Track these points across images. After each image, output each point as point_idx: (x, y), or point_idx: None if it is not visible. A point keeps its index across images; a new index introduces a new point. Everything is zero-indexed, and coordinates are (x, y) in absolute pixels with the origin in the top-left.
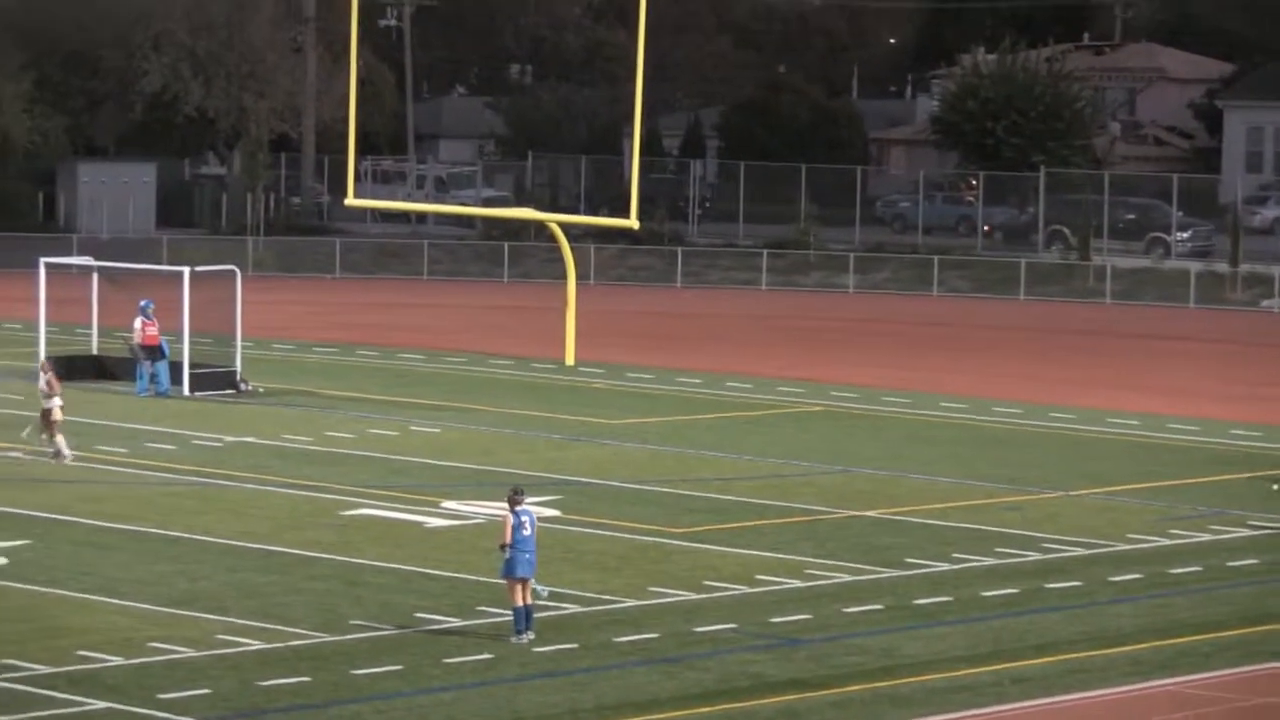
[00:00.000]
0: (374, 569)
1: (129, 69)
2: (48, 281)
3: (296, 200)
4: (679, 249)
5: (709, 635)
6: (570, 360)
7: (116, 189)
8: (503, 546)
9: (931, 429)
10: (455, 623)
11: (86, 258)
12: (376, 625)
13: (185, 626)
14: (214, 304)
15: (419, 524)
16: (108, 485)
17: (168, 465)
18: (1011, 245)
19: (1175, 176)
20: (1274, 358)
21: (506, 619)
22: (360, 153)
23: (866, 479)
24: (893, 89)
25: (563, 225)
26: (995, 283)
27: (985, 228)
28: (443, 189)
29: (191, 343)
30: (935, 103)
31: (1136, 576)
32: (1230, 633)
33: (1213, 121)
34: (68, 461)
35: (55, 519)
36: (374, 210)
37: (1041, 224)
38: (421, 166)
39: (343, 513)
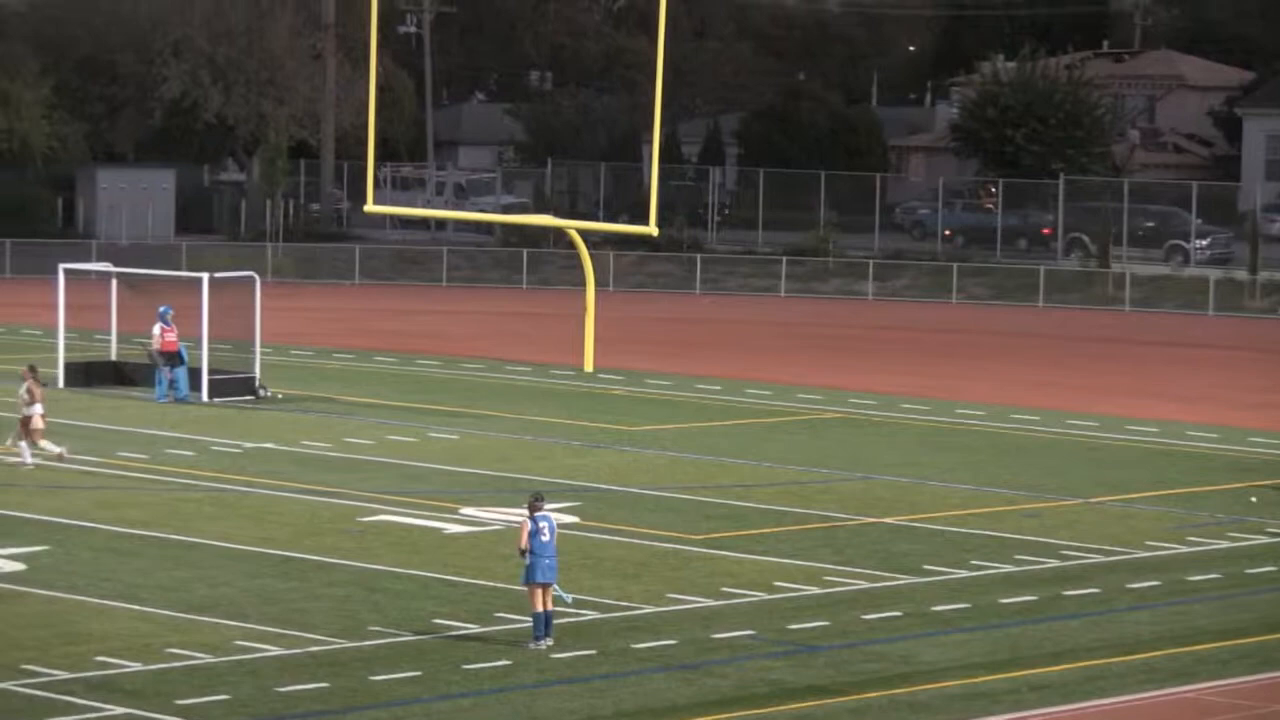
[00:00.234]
0: (392, 575)
1: (148, 75)
2: (67, 287)
3: (316, 207)
4: (698, 256)
5: (727, 642)
6: (589, 367)
7: (136, 195)
8: (522, 552)
9: (950, 436)
10: (474, 629)
11: (106, 264)
12: (395, 631)
13: (204, 632)
14: (233, 310)
15: (437, 530)
16: (127, 491)
17: (187, 471)
18: (1031, 251)
19: (1194, 184)
20: None
21: (525, 625)
22: (379, 159)
23: (885, 486)
24: (912, 96)
25: (582, 232)
26: (1014, 290)
27: (946, 233)
28: (462, 195)
29: (210, 349)
30: (955, 110)
31: (1155, 584)
32: (1249, 640)
33: (1232, 129)
34: (27, 468)
35: (75, 524)
36: (393, 217)
37: (1061, 231)
38: (441, 173)
39: (361, 519)
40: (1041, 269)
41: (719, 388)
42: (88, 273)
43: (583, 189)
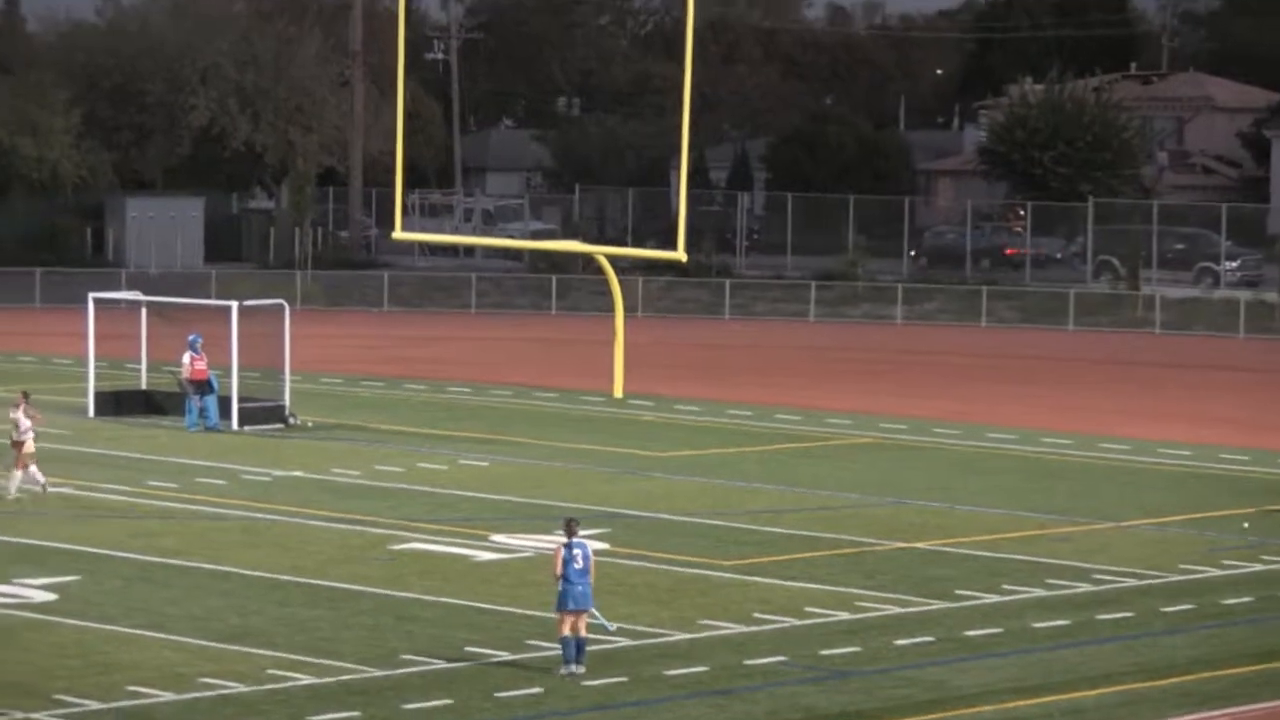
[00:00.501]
0: (423, 603)
1: (177, 104)
2: (96, 317)
3: (344, 234)
4: (727, 281)
5: (759, 668)
6: (619, 393)
7: (164, 224)
8: (557, 579)
9: (981, 460)
10: (505, 656)
11: (135, 292)
12: (426, 659)
13: (235, 661)
14: (262, 338)
15: (468, 558)
16: (157, 520)
17: (217, 500)
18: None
19: (1224, 206)
20: None
21: (557, 653)
22: (408, 186)
23: (916, 510)
24: (940, 120)
25: (610, 258)
26: (1044, 313)
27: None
28: (490, 222)
29: (240, 377)
30: (982, 133)
31: (1189, 607)
32: None
33: (1261, 150)
34: (11, 495)
35: (105, 554)
36: (421, 243)
37: (1090, 254)
38: (469, 199)
39: (392, 547)
40: (1071, 292)
41: (749, 413)
42: (117, 302)
43: (611, 214)
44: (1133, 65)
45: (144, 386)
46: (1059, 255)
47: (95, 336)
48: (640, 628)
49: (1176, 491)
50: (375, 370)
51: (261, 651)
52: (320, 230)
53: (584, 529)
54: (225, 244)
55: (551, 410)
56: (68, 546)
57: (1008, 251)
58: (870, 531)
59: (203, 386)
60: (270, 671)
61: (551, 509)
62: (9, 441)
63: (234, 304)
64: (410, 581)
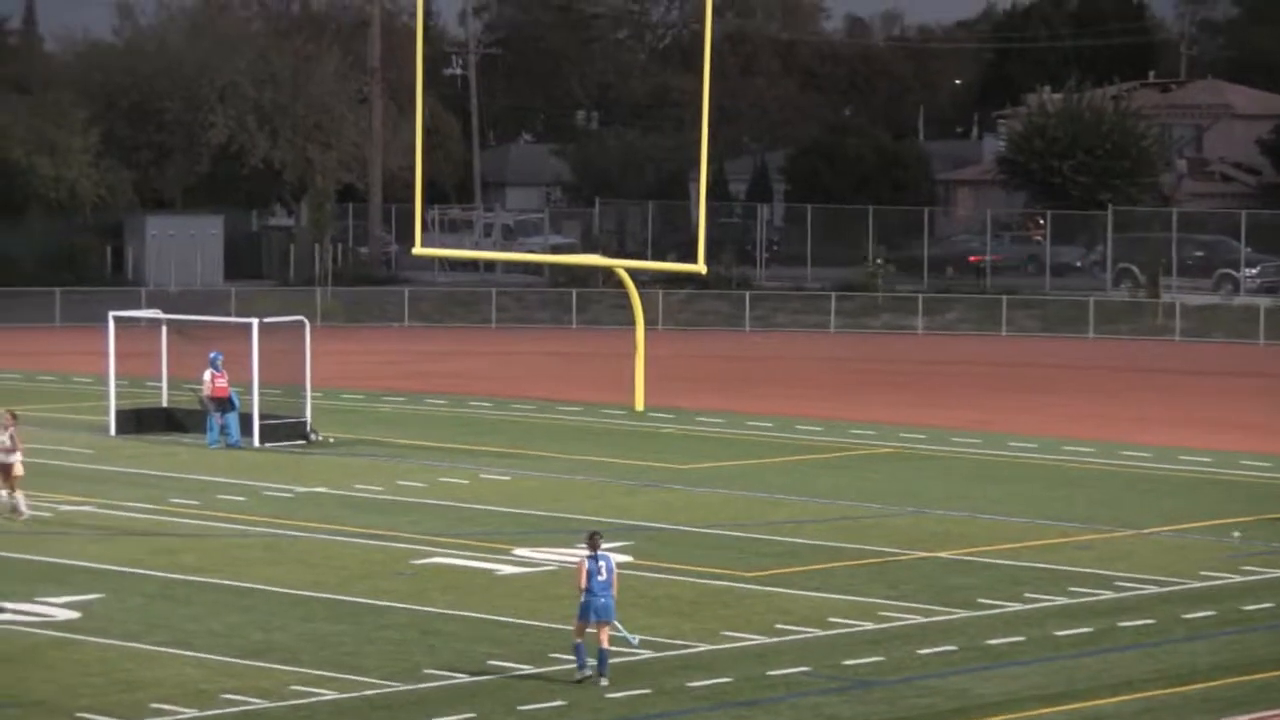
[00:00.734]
0: (446, 617)
1: (195, 122)
2: (117, 335)
3: (364, 250)
4: (747, 293)
5: (782, 679)
6: (640, 406)
7: (184, 242)
8: (581, 591)
9: (1002, 469)
10: (528, 670)
11: (155, 311)
12: (449, 674)
13: (258, 678)
14: (283, 355)
15: (490, 572)
16: (179, 537)
17: (239, 517)
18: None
19: (1243, 213)
20: None
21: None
22: (427, 202)
23: (938, 520)
24: (959, 130)
25: (630, 271)
26: (1064, 322)
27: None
28: (510, 236)
29: (261, 394)
30: (1001, 143)
31: (1210, 614)
32: None
33: (1279, 157)
34: (24, 518)
35: (128, 572)
36: (441, 259)
37: (1110, 262)
38: (488, 214)
39: (414, 561)
40: (1091, 300)
41: (770, 424)
42: (137, 320)
43: (630, 228)
44: (1151, 73)
45: (165, 404)
46: (1079, 264)
47: (116, 355)
48: (663, 639)
49: (1197, 498)
50: (396, 386)
51: (284, 667)
52: (340, 247)
53: (606, 542)
54: (245, 261)
55: (572, 424)
56: (90, 565)
57: (971, 259)
58: (892, 541)
59: (224, 404)
60: (293, 687)
61: (573, 522)
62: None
63: (254, 321)
64: (433, 596)
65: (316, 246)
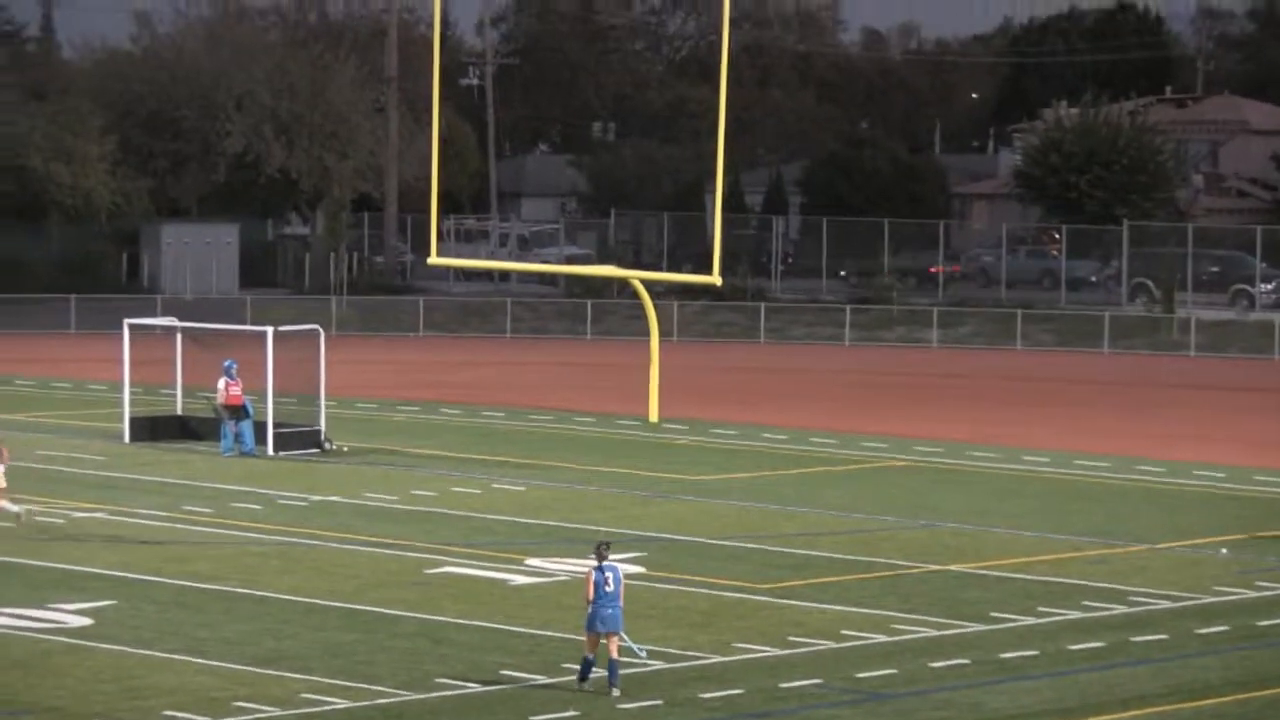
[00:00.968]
0: (458, 627)
1: (212, 130)
2: (132, 343)
3: (379, 259)
4: (762, 305)
5: (795, 691)
6: (654, 417)
7: (200, 250)
8: (588, 602)
9: (1016, 483)
10: (541, 680)
11: (170, 319)
12: (462, 683)
13: (271, 686)
14: (298, 363)
15: (503, 581)
16: (193, 545)
17: (253, 525)
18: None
19: (1259, 228)
20: None
21: (594, 676)
22: (443, 211)
23: (951, 533)
24: (975, 143)
25: (645, 282)
26: (1079, 336)
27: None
28: (525, 247)
29: (275, 402)
30: (1018, 157)
31: (1223, 629)
32: None
33: None
34: (19, 511)
35: (141, 579)
36: (457, 269)
37: (1125, 277)
38: (504, 224)
39: (427, 571)
40: (1106, 315)
41: (784, 437)
42: (152, 328)
43: (646, 239)
44: (1167, 89)
45: (179, 412)
46: (1094, 278)
47: (130, 362)
48: (675, 650)
49: (1211, 513)
50: (410, 395)
51: (297, 676)
52: (355, 256)
53: (619, 553)
54: (260, 270)
55: (587, 435)
56: (103, 572)
57: (931, 270)
58: (905, 554)
59: (238, 412)
60: (305, 696)
61: (586, 533)
62: None
63: (269, 330)
64: (445, 605)
65: (332, 255)
